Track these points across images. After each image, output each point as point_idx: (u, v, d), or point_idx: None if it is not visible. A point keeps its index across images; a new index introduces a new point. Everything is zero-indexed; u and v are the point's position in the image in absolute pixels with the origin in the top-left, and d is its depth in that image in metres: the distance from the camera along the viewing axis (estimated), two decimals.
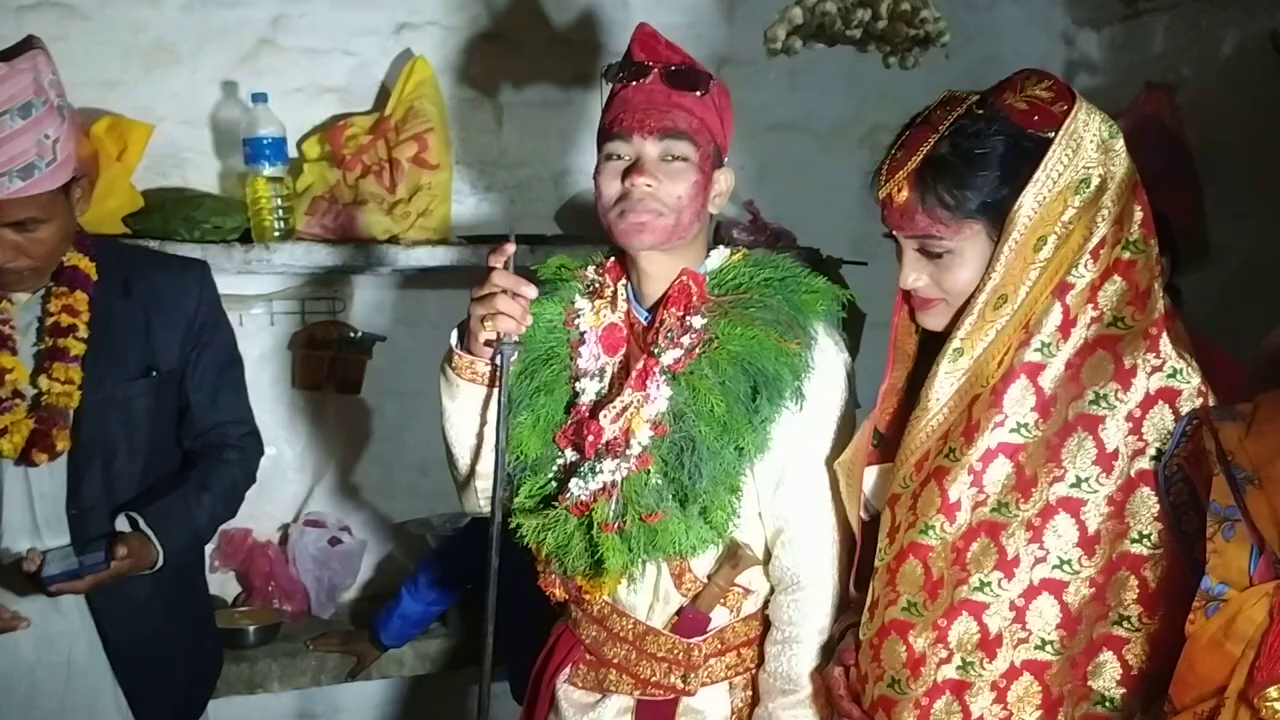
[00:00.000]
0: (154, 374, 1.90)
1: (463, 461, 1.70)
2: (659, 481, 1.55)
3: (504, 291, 1.51)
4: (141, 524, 1.85)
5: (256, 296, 2.75)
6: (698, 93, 1.59)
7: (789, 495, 1.58)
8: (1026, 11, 3.35)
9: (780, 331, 1.55)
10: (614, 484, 1.55)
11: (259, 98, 2.54)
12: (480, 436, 1.66)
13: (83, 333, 1.83)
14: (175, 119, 2.65)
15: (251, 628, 2.60)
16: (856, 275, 2.87)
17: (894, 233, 1.43)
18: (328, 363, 2.80)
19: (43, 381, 1.81)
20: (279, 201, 2.52)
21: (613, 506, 1.54)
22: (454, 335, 1.62)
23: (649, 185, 1.56)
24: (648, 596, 1.65)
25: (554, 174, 2.97)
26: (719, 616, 1.64)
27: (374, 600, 2.77)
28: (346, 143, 2.63)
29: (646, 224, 1.57)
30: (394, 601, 2.65)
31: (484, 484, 1.69)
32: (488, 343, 1.56)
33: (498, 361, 1.56)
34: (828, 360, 1.59)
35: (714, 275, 1.64)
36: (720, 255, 1.67)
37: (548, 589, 1.66)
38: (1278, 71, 2.90)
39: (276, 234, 2.51)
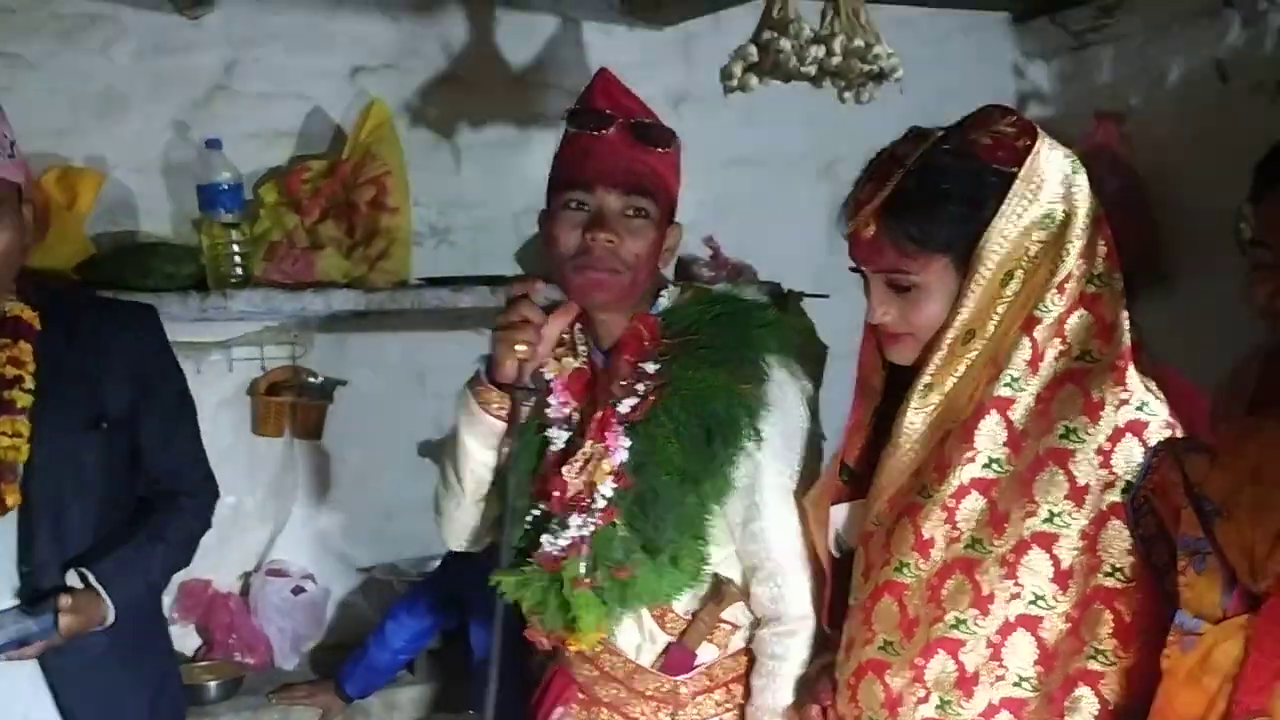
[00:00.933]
0: (103, 424, 1.85)
1: (461, 503, 1.70)
2: (626, 534, 1.55)
3: (528, 321, 1.54)
4: (91, 579, 1.80)
5: (214, 344, 2.71)
6: (661, 150, 1.58)
7: (760, 531, 1.58)
8: (977, 45, 3.40)
9: (732, 371, 1.55)
10: (582, 539, 1.55)
11: (213, 143, 2.52)
12: (485, 475, 1.66)
13: (29, 384, 1.78)
14: (128, 166, 2.61)
15: (213, 683, 2.54)
16: (818, 308, 2.88)
17: (861, 267, 1.43)
18: (288, 409, 2.76)
19: None
20: (236, 247, 2.49)
21: (583, 563, 1.54)
22: (481, 366, 1.62)
23: (610, 241, 1.55)
24: (635, 636, 1.65)
25: (514, 214, 2.95)
26: (707, 653, 1.63)
27: (339, 650, 2.72)
28: (303, 187, 2.61)
29: (604, 282, 1.56)
30: (360, 651, 2.60)
31: (472, 522, 1.72)
32: (503, 386, 1.57)
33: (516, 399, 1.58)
34: (784, 394, 1.59)
35: (666, 315, 1.63)
36: (671, 294, 1.67)
37: (534, 639, 1.66)
38: (1223, 99, 2.96)
39: (234, 280, 2.48)
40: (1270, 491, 1.03)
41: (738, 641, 1.64)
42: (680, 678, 1.63)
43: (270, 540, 2.82)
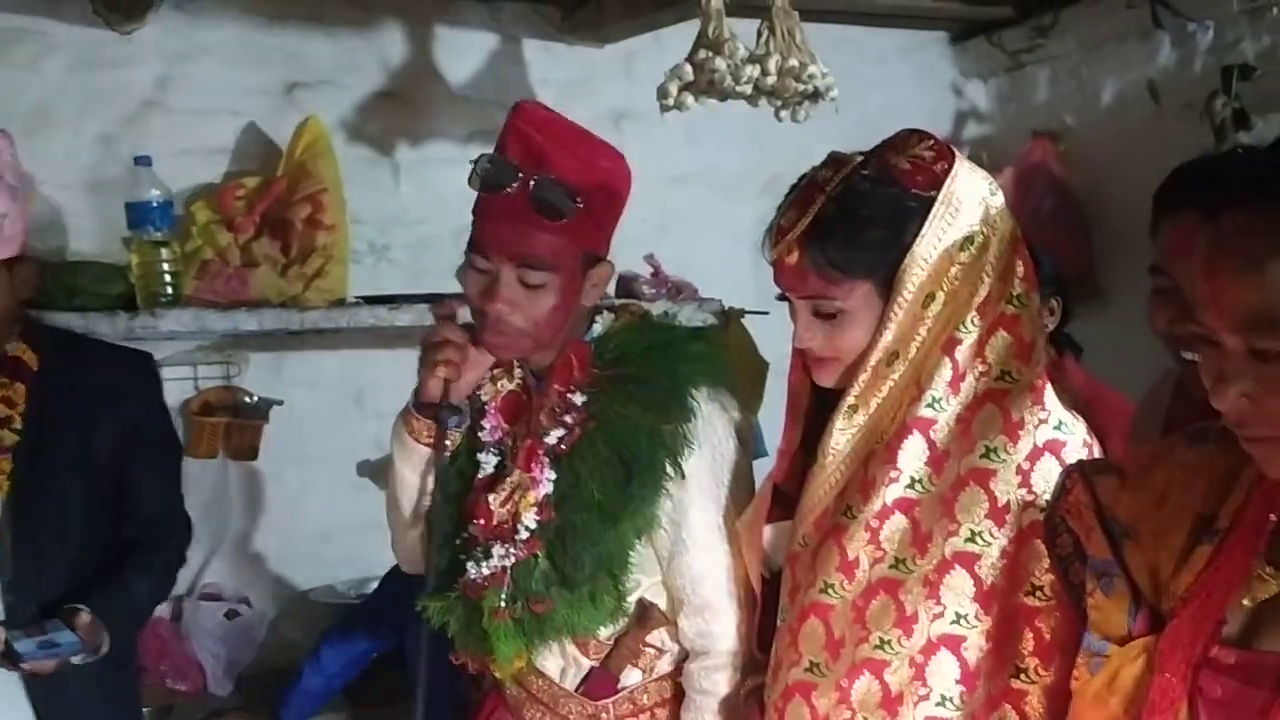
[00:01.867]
0: (89, 465, 1.90)
1: (405, 528, 1.71)
2: (546, 567, 1.54)
3: (449, 342, 1.53)
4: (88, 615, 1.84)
5: None
6: (565, 220, 1.49)
7: (686, 567, 1.57)
8: (916, 65, 3.44)
9: (659, 408, 1.53)
10: (505, 569, 1.55)
11: (142, 160, 2.48)
12: (424, 500, 1.65)
13: (17, 424, 1.84)
14: (56, 183, 2.57)
15: (144, 710, 2.48)
16: (760, 325, 2.90)
17: (786, 294, 1.43)
18: (222, 429, 2.72)
19: None
20: (166, 266, 2.45)
21: (503, 594, 1.54)
22: (411, 398, 1.61)
23: (504, 309, 1.52)
24: (558, 660, 1.63)
25: (454, 231, 2.89)
26: (631, 677, 1.62)
27: (274, 675, 2.67)
28: (236, 204, 2.57)
29: (503, 345, 1.56)
30: (295, 676, 2.56)
31: (417, 545, 1.70)
32: (429, 405, 1.56)
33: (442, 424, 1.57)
34: (713, 429, 1.57)
35: (599, 343, 1.62)
36: (605, 321, 1.65)
37: (461, 662, 1.67)
38: (1155, 119, 3.01)
39: (164, 299, 2.44)
40: (1175, 514, 1.04)
41: (663, 666, 1.63)
42: (604, 702, 1.61)
43: (204, 564, 2.77)
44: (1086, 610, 1.08)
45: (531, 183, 1.48)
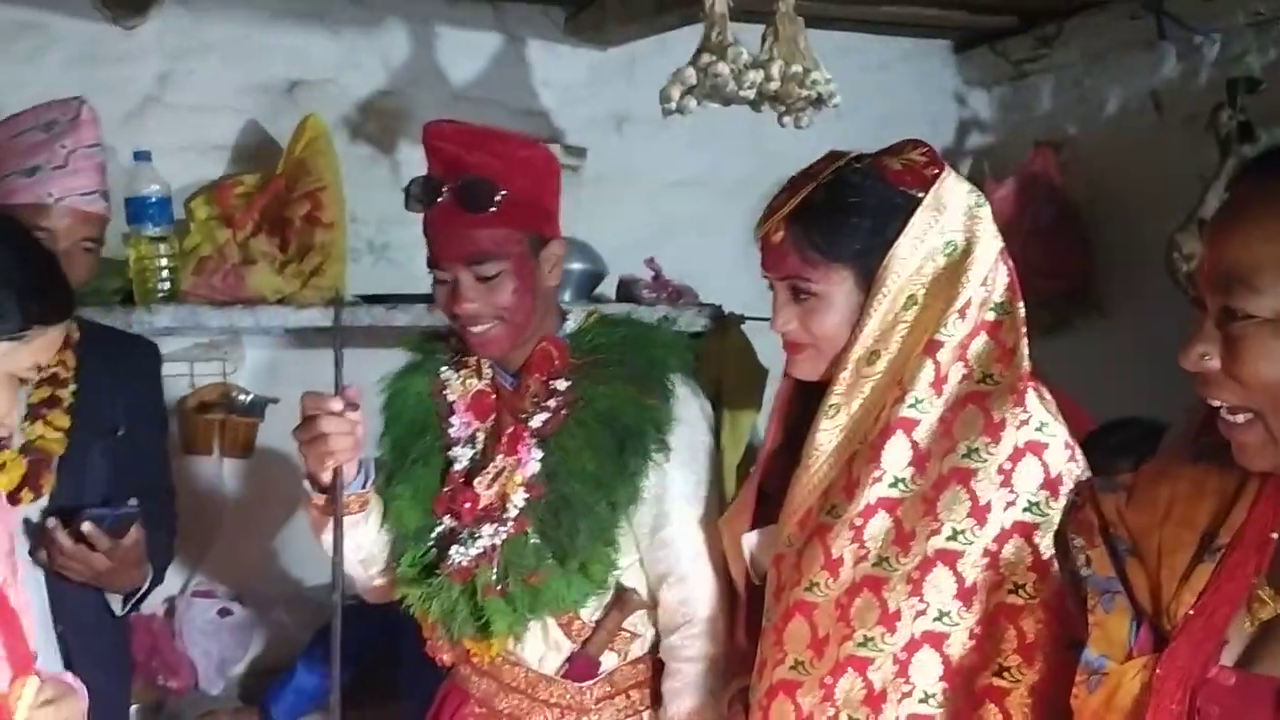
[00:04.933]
0: (118, 433, 1.99)
1: (365, 580, 1.77)
2: (537, 541, 1.59)
3: (326, 435, 1.51)
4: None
5: None
6: (492, 210, 1.58)
7: (669, 538, 1.63)
8: (919, 73, 3.43)
9: (640, 388, 1.61)
10: (494, 548, 1.60)
11: (141, 155, 2.47)
12: (370, 550, 1.72)
13: (73, 386, 1.93)
14: None
15: (133, 707, 2.46)
16: (760, 331, 2.89)
17: (767, 275, 1.48)
18: (218, 426, 2.72)
19: (38, 427, 1.87)
20: (164, 262, 2.45)
21: (495, 570, 1.59)
22: (305, 484, 1.61)
23: (470, 307, 1.60)
24: (539, 647, 1.68)
25: None
26: (607, 660, 1.68)
27: (266, 674, 2.67)
28: (235, 201, 2.57)
29: (488, 339, 1.62)
30: (288, 674, 2.55)
31: (373, 574, 1.75)
32: (326, 490, 1.57)
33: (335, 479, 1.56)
34: (687, 410, 1.64)
35: (573, 338, 1.69)
36: (577, 318, 1.72)
37: (435, 655, 1.72)
38: (1158, 130, 3.01)
39: (161, 295, 2.43)
40: (1178, 531, 1.04)
41: (637, 650, 1.69)
42: (584, 684, 1.67)
43: (197, 561, 2.76)
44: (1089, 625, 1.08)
45: (457, 189, 1.59)
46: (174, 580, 2.73)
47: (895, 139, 1.49)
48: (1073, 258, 3.11)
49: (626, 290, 2.88)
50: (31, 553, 1.82)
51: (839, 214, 1.40)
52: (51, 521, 1.80)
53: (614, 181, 3.04)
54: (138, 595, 1.97)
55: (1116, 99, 3.16)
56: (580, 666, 1.67)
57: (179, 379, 2.69)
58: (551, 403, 1.63)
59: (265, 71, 2.75)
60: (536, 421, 1.63)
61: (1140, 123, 3.06)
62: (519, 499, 1.61)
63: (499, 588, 1.59)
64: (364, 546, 1.70)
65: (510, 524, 1.60)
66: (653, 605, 1.67)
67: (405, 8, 2.88)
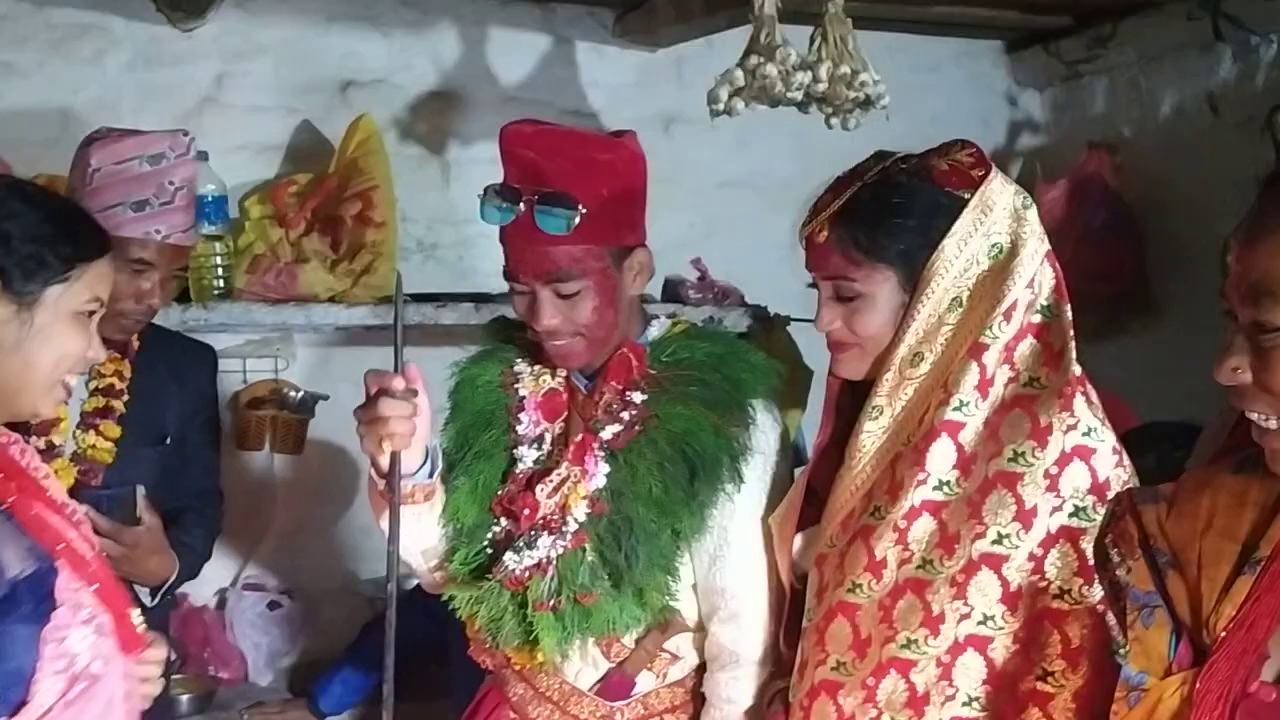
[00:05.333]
0: (167, 441, 2.05)
1: (424, 571, 1.70)
2: (594, 560, 1.53)
3: (386, 418, 1.43)
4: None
5: None
6: (568, 231, 1.50)
7: (725, 573, 1.56)
8: (970, 73, 3.40)
9: (720, 413, 1.54)
10: (549, 560, 1.54)
11: (199, 155, 2.50)
12: (429, 542, 1.64)
13: (126, 396, 1.98)
14: None
15: (184, 696, 2.51)
16: (805, 332, 2.88)
17: (812, 274, 1.47)
18: (269, 422, 2.76)
19: (90, 436, 1.94)
20: (219, 260, 2.49)
21: (547, 584, 1.53)
22: (371, 470, 1.55)
23: (551, 324, 1.54)
24: (575, 662, 1.62)
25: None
26: (644, 681, 1.62)
27: (314, 666, 2.70)
28: (288, 200, 2.60)
29: (568, 353, 1.57)
30: (334, 666, 2.59)
31: (432, 566, 1.68)
32: (386, 476, 1.49)
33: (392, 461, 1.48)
34: (767, 439, 1.58)
35: (654, 346, 1.62)
36: (661, 326, 1.65)
37: (477, 657, 1.67)
38: (1213, 133, 2.96)
39: (216, 293, 2.48)
40: (1219, 543, 1.02)
41: (676, 672, 1.63)
42: (617, 704, 1.61)
43: (248, 555, 2.81)
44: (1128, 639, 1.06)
45: (535, 203, 1.50)
46: (225, 573, 2.79)
47: (945, 140, 1.48)
48: (1126, 260, 3.08)
49: (672, 290, 2.89)
50: None
51: (883, 214, 1.39)
52: None
53: (661, 182, 3.02)
54: (165, 586, 1.98)
55: (1172, 101, 3.11)
56: (615, 685, 1.61)
57: (232, 375, 2.74)
58: (625, 415, 1.56)
59: (318, 73, 2.79)
60: (607, 433, 1.56)
61: (1196, 125, 3.02)
62: (580, 513, 1.54)
63: (550, 603, 1.53)
64: (427, 537, 1.63)
65: (569, 538, 1.54)
66: (698, 629, 1.61)
67: (455, 9, 2.91)
